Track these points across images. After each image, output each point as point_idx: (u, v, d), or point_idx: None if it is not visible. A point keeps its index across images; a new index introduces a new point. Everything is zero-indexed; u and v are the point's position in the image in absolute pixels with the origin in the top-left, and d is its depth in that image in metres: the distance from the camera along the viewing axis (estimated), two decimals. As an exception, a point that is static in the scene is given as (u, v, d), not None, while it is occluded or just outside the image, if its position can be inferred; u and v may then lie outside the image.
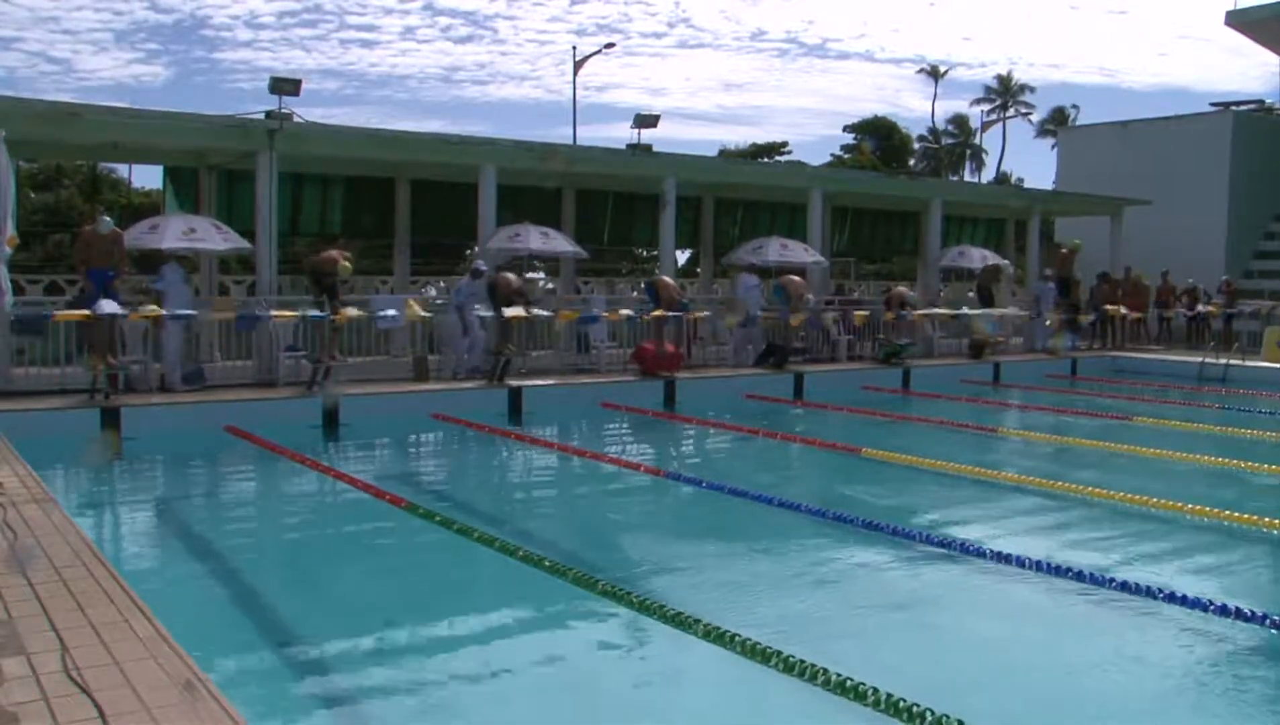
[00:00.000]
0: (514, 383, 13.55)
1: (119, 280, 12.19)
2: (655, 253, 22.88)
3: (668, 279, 16.52)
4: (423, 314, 14.04)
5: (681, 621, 5.02)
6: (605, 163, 18.09)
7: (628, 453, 11.87)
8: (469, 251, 23.82)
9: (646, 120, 18.74)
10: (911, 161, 58.82)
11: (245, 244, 14.35)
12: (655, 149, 18.03)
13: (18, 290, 13.92)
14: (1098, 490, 8.68)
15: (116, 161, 29.32)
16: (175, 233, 13.27)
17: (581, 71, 41.44)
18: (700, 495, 8.93)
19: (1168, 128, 29.16)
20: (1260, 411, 14.25)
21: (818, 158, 53.19)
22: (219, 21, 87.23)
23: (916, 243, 24.01)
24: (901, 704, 3.99)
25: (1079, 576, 6.12)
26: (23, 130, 11.67)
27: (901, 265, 30.32)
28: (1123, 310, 21.87)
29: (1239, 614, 5.47)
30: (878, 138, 54.82)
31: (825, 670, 4.30)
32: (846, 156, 51.51)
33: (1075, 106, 65.87)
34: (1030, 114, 67.28)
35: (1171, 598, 5.72)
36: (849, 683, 4.19)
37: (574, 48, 54.11)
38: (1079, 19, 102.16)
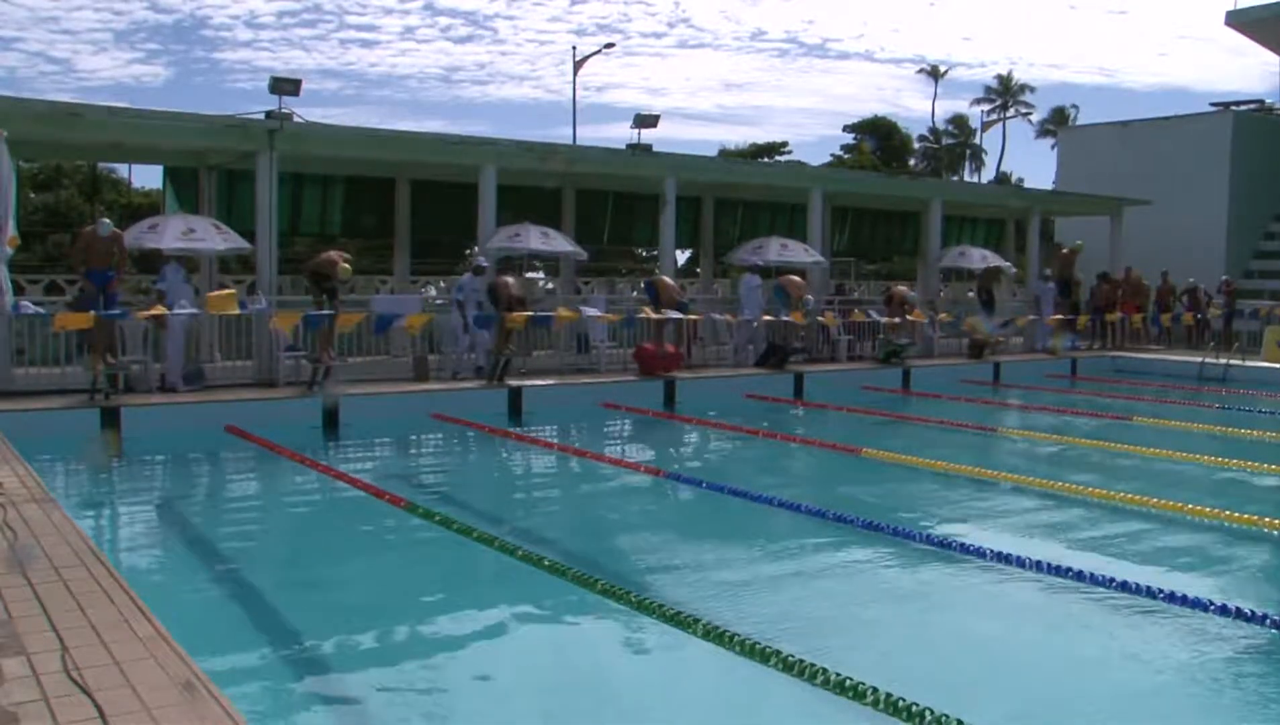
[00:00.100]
0: (514, 383, 13.55)
1: (118, 280, 12.18)
2: (655, 253, 22.88)
3: (668, 279, 16.52)
4: (423, 320, 14.04)
5: (681, 621, 5.02)
6: (605, 163, 18.08)
7: (627, 453, 11.88)
8: (469, 251, 23.82)
9: (646, 120, 18.74)
10: (911, 161, 58.82)
11: (245, 244, 14.35)
12: (655, 149, 18.03)
13: (18, 290, 13.91)
14: (1097, 490, 8.69)
15: (116, 161, 29.34)
16: (175, 233, 13.27)
17: (581, 71, 41.49)
18: (700, 495, 8.93)
19: (1168, 128, 29.16)
20: (1260, 411, 14.25)
21: (818, 158, 53.28)
22: (219, 21, 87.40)
23: (916, 243, 24.00)
24: (901, 703, 3.99)
25: (1079, 576, 6.13)
26: (23, 130, 11.65)
27: (901, 265, 30.31)
28: (1119, 315, 21.88)
29: (1239, 614, 5.47)
30: (878, 138, 54.81)
31: (825, 670, 4.30)
32: (846, 156, 51.52)
33: (1075, 106, 66.05)
34: (1030, 114, 67.39)
35: (1171, 598, 5.72)
36: (848, 682, 4.19)
37: (574, 48, 54.20)
38: (1079, 19, 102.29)
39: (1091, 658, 5.40)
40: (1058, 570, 6.25)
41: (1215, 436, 12.28)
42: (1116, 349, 21.49)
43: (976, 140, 67.08)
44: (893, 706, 4.00)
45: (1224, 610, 5.51)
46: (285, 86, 14.00)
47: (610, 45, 53.58)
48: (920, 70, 74.98)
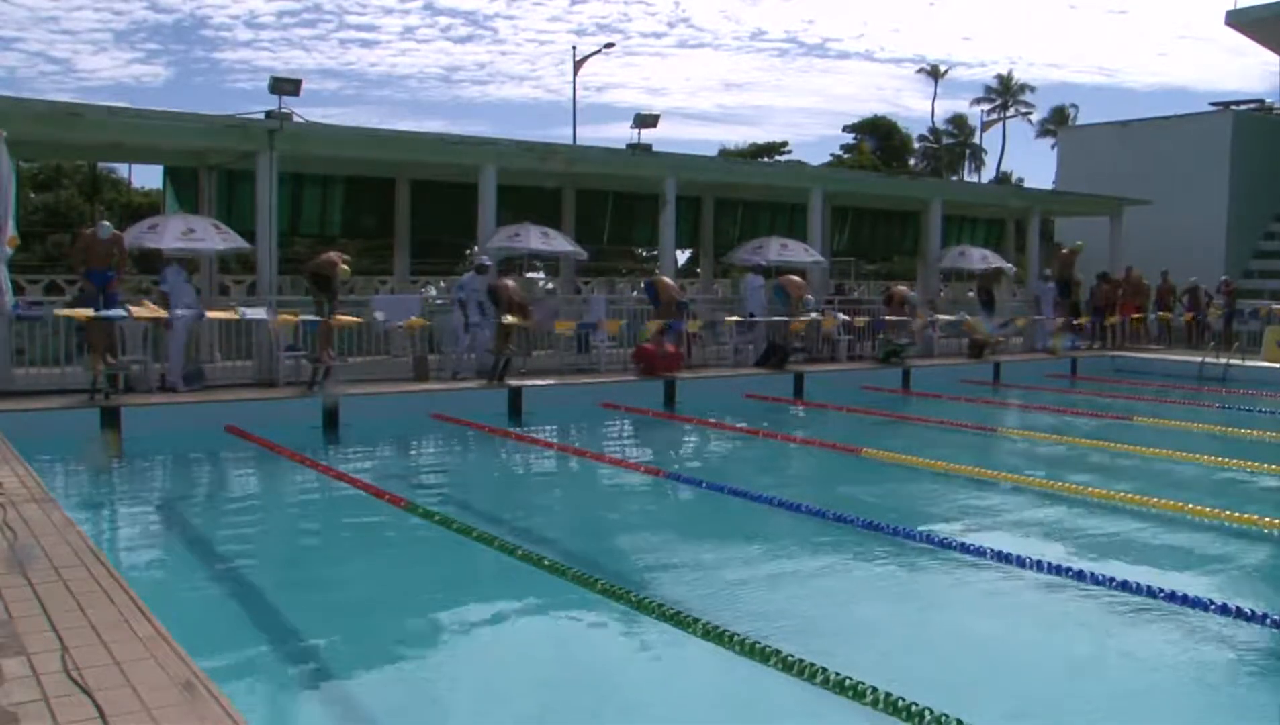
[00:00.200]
0: (514, 383, 13.55)
1: (119, 280, 12.17)
2: (655, 252, 22.88)
3: (667, 279, 16.52)
4: (423, 321, 14.05)
5: (681, 620, 5.02)
6: (605, 163, 18.09)
7: (628, 453, 11.88)
8: (469, 251, 23.82)
9: (646, 120, 18.75)
10: (911, 161, 58.82)
11: (244, 244, 14.35)
12: (655, 149, 18.04)
13: (18, 290, 13.92)
14: (1097, 490, 8.69)
15: (116, 161, 29.38)
16: (174, 233, 13.28)
17: (581, 71, 41.48)
18: (700, 495, 8.93)
19: (1168, 127, 29.16)
20: (1260, 411, 14.25)
21: (818, 158, 53.27)
22: (219, 21, 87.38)
23: (916, 243, 24.01)
24: (901, 703, 3.99)
25: (1079, 576, 6.13)
26: (23, 130, 11.66)
27: (901, 265, 30.31)
28: (1118, 317, 21.88)
29: (1239, 613, 5.47)
30: (878, 138, 54.81)
31: (824, 669, 4.30)
32: (846, 156, 51.52)
33: (1075, 106, 66.01)
34: (1030, 114, 67.37)
35: (1171, 597, 5.72)
36: (848, 682, 4.19)
37: (574, 48, 54.27)
38: (1079, 19, 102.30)
39: (1091, 657, 5.40)
40: (1057, 570, 6.25)
41: (1215, 436, 12.28)
42: (1116, 349, 21.49)
43: (976, 140, 67.17)
44: (893, 706, 4.00)
45: (1224, 610, 5.51)
46: (285, 86, 14.00)
47: (610, 45, 53.69)
48: (920, 70, 75.09)
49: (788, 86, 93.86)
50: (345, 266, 13.19)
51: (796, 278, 17.55)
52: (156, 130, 13.86)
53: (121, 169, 34.80)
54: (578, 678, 5.19)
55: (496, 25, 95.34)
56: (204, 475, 10.42)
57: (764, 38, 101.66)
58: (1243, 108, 30.93)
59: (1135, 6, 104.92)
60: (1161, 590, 5.78)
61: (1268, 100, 33.71)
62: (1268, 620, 5.39)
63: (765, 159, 45.81)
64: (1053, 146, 48.84)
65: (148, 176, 38.08)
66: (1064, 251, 22.84)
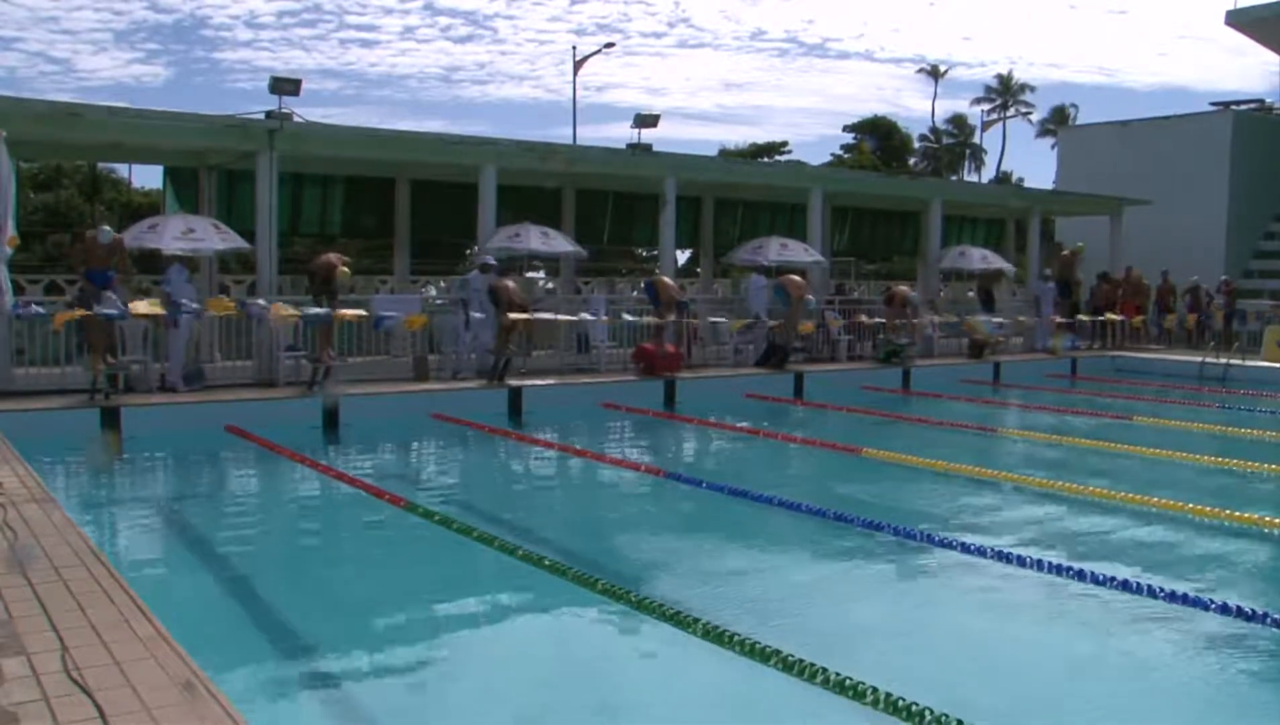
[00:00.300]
0: (514, 383, 13.55)
1: (119, 279, 12.16)
2: (655, 252, 22.88)
3: (667, 279, 16.52)
4: (423, 320, 14.04)
5: (681, 620, 5.02)
6: (605, 163, 18.08)
7: (628, 453, 11.87)
8: (469, 251, 23.81)
9: (646, 120, 18.75)
10: (911, 161, 58.82)
11: (244, 244, 14.35)
12: (655, 149, 18.04)
13: (18, 290, 13.92)
14: (1098, 490, 8.69)
15: (116, 161, 29.32)
16: (174, 233, 13.28)
17: (581, 71, 41.47)
18: (700, 495, 8.93)
19: (1168, 127, 29.17)
20: (1260, 411, 14.26)
21: (818, 158, 53.27)
22: (219, 21, 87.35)
23: (916, 243, 24.01)
24: (901, 703, 3.99)
25: (1079, 575, 6.13)
26: (23, 130, 11.65)
27: (901, 265, 30.31)
28: (1118, 319, 21.88)
29: (1239, 613, 5.47)
30: (878, 138, 54.81)
31: (824, 669, 4.30)
32: (846, 156, 51.52)
33: (1075, 106, 66.00)
34: (1030, 114, 67.34)
35: (1171, 597, 5.72)
36: (848, 682, 4.19)
37: (574, 48, 54.26)
38: (1079, 19, 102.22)
39: (1091, 656, 5.40)
40: (1057, 569, 6.25)
41: (1215, 436, 12.29)
42: (1116, 349, 21.49)
43: (976, 140, 67.17)
44: (893, 706, 4.00)
45: (1224, 610, 5.51)
46: (285, 86, 14.00)
47: (610, 45, 53.65)
48: (920, 70, 75.07)
49: (788, 86, 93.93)
50: (345, 269, 13.18)
51: (797, 277, 17.53)
52: (156, 130, 13.86)
53: (121, 169, 34.78)
54: (578, 677, 5.19)
55: (496, 25, 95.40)
56: (204, 475, 10.41)
57: (764, 38, 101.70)
58: (1243, 108, 30.93)
59: (1135, 6, 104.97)
60: (1161, 590, 5.78)
61: (1268, 100, 33.75)
62: (1268, 620, 5.39)
63: (765, 159, 45.82)
64: (1053, 146, 48.90)
65: (148, 176, 38.09)
66: (1065, 252, 22.84)
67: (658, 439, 12.98)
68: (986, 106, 67.32)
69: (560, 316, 14.98)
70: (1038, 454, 11.60)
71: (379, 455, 11.60)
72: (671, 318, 15.71)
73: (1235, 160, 27.54)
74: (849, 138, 57.49)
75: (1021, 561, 6.41)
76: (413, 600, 6.34)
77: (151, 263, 14.79)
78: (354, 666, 5.15)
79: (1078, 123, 48.40)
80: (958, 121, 66.78)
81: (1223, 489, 9.41)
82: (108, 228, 12.22)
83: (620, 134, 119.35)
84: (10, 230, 9.26)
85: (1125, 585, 5.91)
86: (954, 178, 57.15)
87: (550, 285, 21.60)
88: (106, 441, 10.37)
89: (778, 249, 18.73)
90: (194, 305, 12.32)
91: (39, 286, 16.42)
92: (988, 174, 64.22)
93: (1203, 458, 10.24)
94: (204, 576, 6.63)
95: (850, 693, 4.15)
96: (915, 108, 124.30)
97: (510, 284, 14.38)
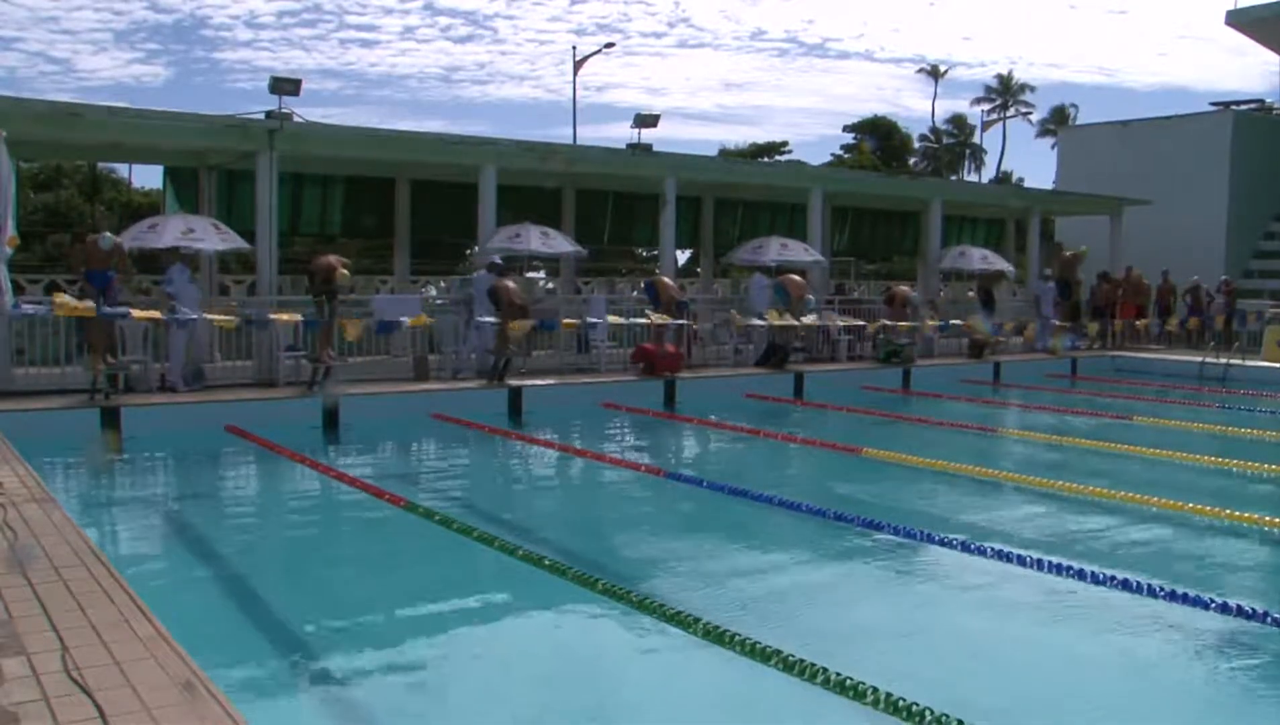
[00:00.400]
0: (514, 383, 13.55)
1: (119, 279, 12.16)
2: (655, 252, 22.89)
3: (667, 279, 16.52)
4: (426, 320, 14.04)
5: (681, 620, 5.02)
6: (605, 163, 18.09)
7: (628, 453, 11.87)
8: (469, 251, 23.82)
9: (646, 120, 18.76)
10: (911, 161, 58.82)
11: (244, 244, 14.35)
12: (655, 149, 18.04)
13: (18, 290, 13.92)
14: (1098, 489, 8.69)
15: (116, 161, 29.36)
16: (174, 233, 13.28)
17: (581, 71, 41.47)
18: (700, 495, 8.93)
19: (1168, 127, 29.16)
20: (1260, 411, 14.25)
21: (818, 158, 53.30)
22: (219, 21, 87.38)
23: (916, 243, 24.02)
24: (901, 703, 3.99)
25: (1079, 575, 6.12)
26: (23, 130, 11.66)
27: (901, 265, 30.31)
28: (1120, 322, 21.87)
29: (1239, 612, 5.47)
30: (878, 137, 54.82)
31: (825, 669, 4.30)
32: (846, 156, 51.52)
33: (1075, 106, 66.01)
34: (1030, 114, 67.39)
35: (1171, 596, 5.72)
36: (848, 682, 4.19)
37: (574, 47, 54.28)
38: (1079, 19, 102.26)
39: (1091, 656, 5.40)
40: (1058, 569, 6.25)
41: (1215, 436, 12.28)
42: (1117, 349, 21.49)
43: (976, 140, 67.18)
44: (893, 706, 4.00)
45: (1224, 610, 5.51)
46: (285, 86, 14.01)
47: (610, 45, 53.67)
48: (920, 70, 75.11)
49: (788, 86, 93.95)
50: (345, 271, 13.17)
51: (797, 277, 17.53)
52: (156, 130, 13.86)
53: (121, 169, 34.82)
54: (578, 677, 5.19)
55: (496, 25, 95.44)
56: (204, 475, 10.40)
57: (764, 38, 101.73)
58: (1243, 108, 30.92)
59: (1135, 6, 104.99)
60: (1161, 590, 5.78)
61: (1268, 100, 33.75)
62: (1268, 620, 5.39)
63: (765, 159, 45.83)
64: (1053, 146, 48.90)
65: (148, 176, 38.04)
66: (1066, 253, 22.84)
67: (658, 439, 12.98)
68: (986, 106, 67.44)
69: (565, 320, 14.95)
70: (1038, 454, 11.59)
71: (379, 455, 11.61)
72: (672, 318, 15.71)
73: (1235, 160, 27.53)
74: (849, 138, 57.58)
75: (1021, 561, 6.41)
76: (413, 600, 6.34)
77: (152, 263, 14.79)
78: (354, 666, 5.15)
79: (1078, 123, 48.41)
80: (958, 121, 66.82)
81: (1223, 489, 9.41)
82: (109, 234, 12.22)
83: (620, 134, 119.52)
84: (10, 230, 9.27)
85: (1125, 585, 5.91)
86: (954, 178, 57.16)
87: (550, 285, 21.61)
88: (106, 441, 10.37)
89: (778, 249, 18.74)
90: (193, 316, 12.29)
91: (39, 286, 16.42)
92: (988, 174, 64.32)
93: (1203, 458, 10.24)
94: (204, 576, 6.63)
95: (850, 693, 4.15)
96: (915, 108, 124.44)
97: (511, 284, 14.37)
